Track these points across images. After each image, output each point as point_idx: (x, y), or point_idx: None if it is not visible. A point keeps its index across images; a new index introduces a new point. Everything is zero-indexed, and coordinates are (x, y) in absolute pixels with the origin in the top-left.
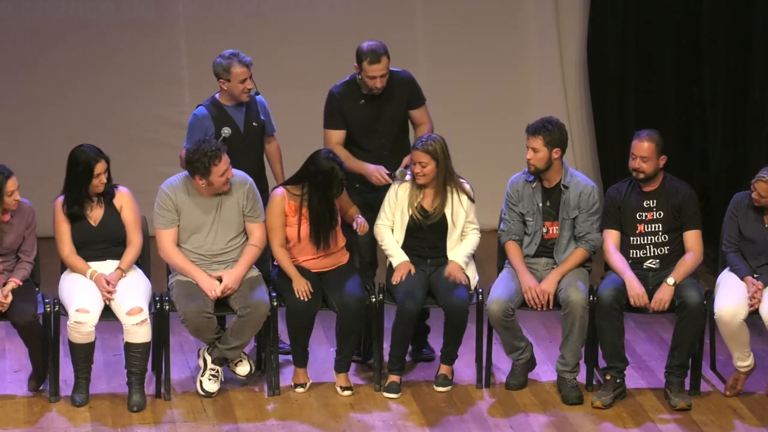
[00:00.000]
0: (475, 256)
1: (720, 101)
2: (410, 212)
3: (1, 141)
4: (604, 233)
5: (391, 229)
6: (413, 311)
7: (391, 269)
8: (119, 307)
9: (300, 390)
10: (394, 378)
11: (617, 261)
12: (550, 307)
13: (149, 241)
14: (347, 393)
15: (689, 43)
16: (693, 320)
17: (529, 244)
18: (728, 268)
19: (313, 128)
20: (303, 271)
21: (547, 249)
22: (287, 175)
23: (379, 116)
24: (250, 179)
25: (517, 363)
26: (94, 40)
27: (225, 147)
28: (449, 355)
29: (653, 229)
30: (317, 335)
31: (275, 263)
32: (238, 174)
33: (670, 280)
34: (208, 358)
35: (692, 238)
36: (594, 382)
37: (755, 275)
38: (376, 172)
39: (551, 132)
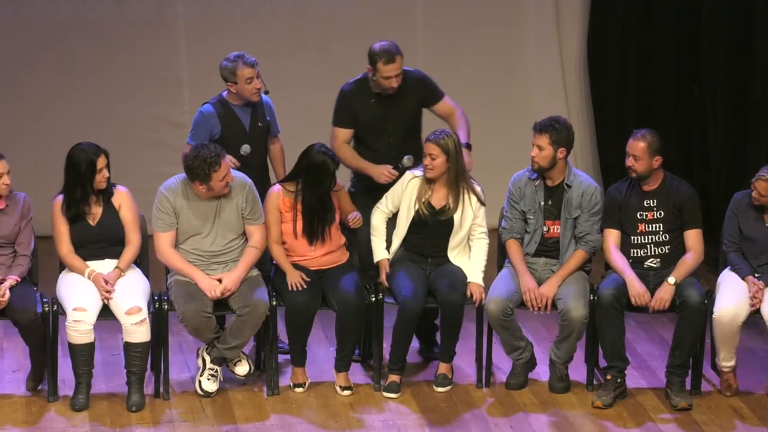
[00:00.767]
0: None
1: (720, 101)
2: (417, 207)
3: (1, 141)
4: (604, 233)
5: (386, 217)
6: (415, 311)
7: (391, 269)
8: (118, 307)
9: (299, 390)
10: (394, 378)
11: (618, 260)
12: (548, 311)
13: (148, 240)
14: (347, 393)
15: (689, 43)
16: (694, 320)
17: (529, 243)
18: (729, 267)
19: (313, 128)
20: (302, 270)
21: (547, 248)
22: None
23: (387, 116)
24: (250, 181)
25: (517, 363)
26: (94, 40)
27: (224, 151)
28: (447, 353)
29: (654, 229)
30: (317, 334)
31: (274, 263)
32: (238, 176)
33: (671, 280)
34: (207, 358)
35: (693, 238)
36: (594, 382)
37: (756, 275)
38: (382, 171)
39: (558, 131)
